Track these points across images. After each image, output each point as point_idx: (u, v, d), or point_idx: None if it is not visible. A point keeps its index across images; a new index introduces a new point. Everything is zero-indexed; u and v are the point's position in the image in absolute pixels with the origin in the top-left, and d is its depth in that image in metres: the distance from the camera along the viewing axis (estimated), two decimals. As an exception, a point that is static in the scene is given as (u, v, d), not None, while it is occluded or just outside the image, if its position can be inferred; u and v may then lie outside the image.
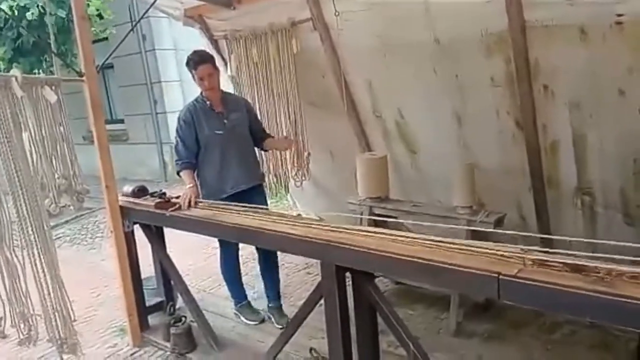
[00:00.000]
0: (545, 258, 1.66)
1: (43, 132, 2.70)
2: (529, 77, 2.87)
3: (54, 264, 2.61)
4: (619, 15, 2.43)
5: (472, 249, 1.84)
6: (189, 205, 2.95)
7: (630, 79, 2.59)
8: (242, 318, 3.46)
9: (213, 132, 3.11)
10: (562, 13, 2.56)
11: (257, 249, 3.43)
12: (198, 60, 3.07)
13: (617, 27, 2.48)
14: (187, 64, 3.12)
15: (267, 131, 3.63)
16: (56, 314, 2.63)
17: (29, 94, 2.61)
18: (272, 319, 3.42)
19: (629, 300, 1.40)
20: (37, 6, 6.17)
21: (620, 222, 3.08)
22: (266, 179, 3.71)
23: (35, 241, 2.53)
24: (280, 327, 3.26)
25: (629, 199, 2.97)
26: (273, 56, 3.88)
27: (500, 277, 1.62)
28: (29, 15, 6.16)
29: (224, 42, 4.16)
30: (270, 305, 3.50)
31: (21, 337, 2.55)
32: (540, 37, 2.71)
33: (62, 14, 6.38)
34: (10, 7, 6.17)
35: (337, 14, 3.20)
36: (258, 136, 3.41)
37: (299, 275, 4.49)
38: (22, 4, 6.22)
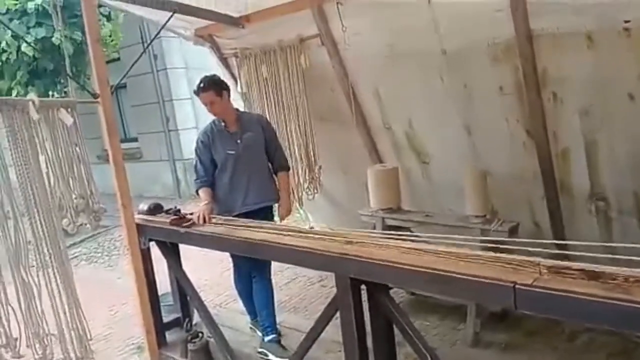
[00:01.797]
0: (561, 265, 1.66)
1: (60, 153, 2.75)
2: (538, 85, 2.88)
3: (70, 284, 2.65)
4: (626, 21, 2.44)
5: (487, 258, 1.84)
6: (204, 222, 2.98)
7: (639, 83, 2.58)
8: (271, 356, 3.15)
9: (226, 152, 3.16)
10: (568, 21, 2.58)
11: (251, 269, 3.26)
12: (199, 89, 3.13)
13: (625, 33, 2.48)
14: (194, 92, 3.20)
15: (286, 163, 3.48)
16: (72, 333, 2.66)
17: (46, 116, 2.67)
18: (270, 356, 3.13)
19: (647, 307, 1.39)
20: (54, 32, 6.32)
21: (636, 227, 3.05)
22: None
23: (51, 261, 2.57)
24: None
25: (644, 203, 2.94)
26: (282, 72, 3.94)
27: (516, 286, 1.61)
28: (53, 40, 6.32)
29: (234, 59, 4.22)
30: (267, 339, 3.21)
31: (36, 357, 2.57)
32: (548, 45, 2.72)
33: (77, 36, 6.52)
34: (35, 40, 6.34)
35: (344, 29, 3.25)
36: (272, 163, 3.36)
37: (313, 288, 4.50)
38: (40, 36, 6.38)
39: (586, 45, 2.61)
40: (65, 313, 2.62)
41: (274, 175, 3.40)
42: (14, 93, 6.83)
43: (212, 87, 3.14)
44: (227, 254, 3.35)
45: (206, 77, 3.22)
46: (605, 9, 2.43)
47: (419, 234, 3.37)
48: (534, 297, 1.58)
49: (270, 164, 3.37)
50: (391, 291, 2.31)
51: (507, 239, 2.85)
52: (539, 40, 2.73)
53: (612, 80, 2.67)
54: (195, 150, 3.27)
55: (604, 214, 3.16)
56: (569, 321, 2.98)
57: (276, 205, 3.48)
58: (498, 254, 1.84)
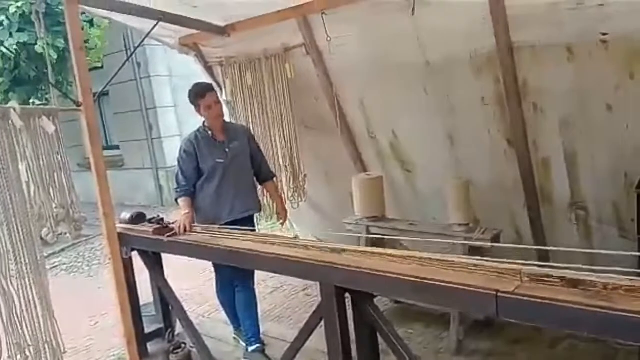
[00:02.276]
0: (542, 273, 1.68)
1: (41, 162, 2.71)
2: (519, 96, 2.93)
3: (45, 295, 2.59)
4: (604, 34, 2.50)
5: (470, 266, 1.85)
6: (185, 231, 2.96)
7: (617, 94, 2.65)
8: None
9: (215, 160, 3.15)
10: (548, 33, 2.64)
11: (234, 279, 3.24)
12: (205, 89, 3.15)
13: (603, 45, 2.55)
14: (195, 95, 3.14)
15: (271, 171, 3.56)
16: (46, 345, 2.60)
17: (27, 124, 2.63)
18: None
19: (626, 314, 1.41)
20: (36, 41, 6.25)
21: (615, 236, 3.12)
22: (263, 206, 3.65)
23: (28, 271, 2.52)
24: None
25: (622, 212, 3.01)
26: (267, 81, 3.95)
27: (499, 294, 1.63)
28: (37, 48, 6.25)
29: (219, 68, 4.22)
30: (251, 349, 3.19)
31: (17, 368, 2.52)
32: (528, 57, 2.78)
33: (60, 44, 6.46)
34: (17, 45, 6.26)
35: (329, 39, 3.27)
36: (259, 174, 3.40)
37: (298, 297, 4.48)
38: (22, 41, 6.30)
39: (566, 57, 2.68)
40: (39, 324, 2.57)
41: (257, 185, 3.41)
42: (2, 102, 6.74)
43: (214, 89, 3.22)
44: (211, 263, 3.33)
45: (202, 82, 3.24)
46: (584, 22, 2.50)
47: (403, 238, 3.40)
48: (515, 305, 1.60)
49: (255, 175, 3.38)
50: (376, 300, 2.31)
51: (491, 244, 2.89)
52: (520, 52, 2.79)
53: (591, 91, 2.73)
54: (178, 160, 3.24)
55: (584, 222, 3.22)
56: (550, 328, 3.02)
57: (259, 214, 3.52)
58: (481, 261, 1.86)
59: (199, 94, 3.13)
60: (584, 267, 1.62)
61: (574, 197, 3.16)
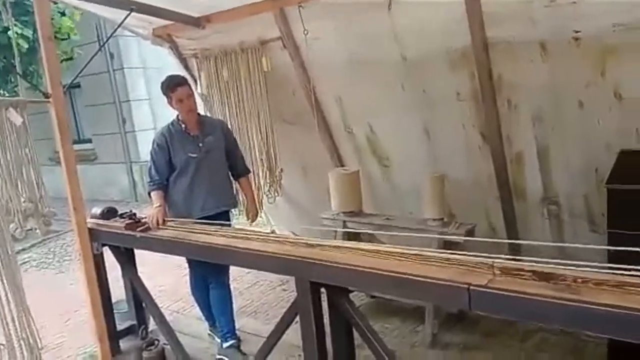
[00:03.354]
0: (513, 267, 1.70)
1: (8, 155, 2.63)
2: (493, 92, 2.96)
3: (19, 291, 2.53)
4: (576, 31, 2.54)
5: (444, 260, 1.87)
6: (157, 224, 2.91)
7: (588, 91, 2.70)
8: None
9: (187, 155, 3.09)
10: (523, 30, 2.67)
11: (207, 275, 3.21)
12: (177, 83, 3.07)
13: (575, 43, 2.59)
14: (166, 87, 3.08)
15: (247, 167, 3.50)
16: (22, 342, 2.54)
17: (-7, 116, 2.55)
18: None
19: (594, 307, 1.43)
20: (6, 30, 6.05)
21: (586, 230, 3.18)
22: (238, 202, 3.61)
23: (-1, 267, 2.45)
24: None
25: (593, 207, 3.07)
26: (243, 74, 3.90)
27: (471, 287, 1.64)
28: (6, 36, 6.04)
29: (194, 60, 4.15)
30: (226, 345, 3.16)
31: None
32: (503, 53, 2.81)
33: (28, 34, 6.26)
34: None
35: (305, 32, 3.25)
36: (234, 169, 3.35)
37: (274, 292, 4.47)
38: None
39: (539, 54, 2.71)
40: (14, 322, 2.50)
41: (233, 181, 3.37)
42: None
43: (187, 82, 3.16)
44: (185, 259, 3.29)
45: (173, 75, 3.18)
46: (557, 19, 2.53)
47: (377, 234, 3.41)
48: (487, 298, 1.62)
49: (230, 170, 3.33)
50: (352, 294, 2.32)
51: (464, 238, 2.92)
52: (495, 48, 2.81)
53: (563, 88, 2.78)
54: (150, 153, 3.17)
55: (556, 217, 3.29)
56: (521, 321, 3.07)
57: (234, 209, 3.48)
58: (454, 255, 1.87)
59: (170, 88, 3.07)
60: (554, 260, 1.64)
61: (547, 192, 3.22)
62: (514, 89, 2.93)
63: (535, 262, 1.68)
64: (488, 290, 1.61)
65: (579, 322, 1.51)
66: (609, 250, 1.97)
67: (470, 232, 3.13)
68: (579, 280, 1.57)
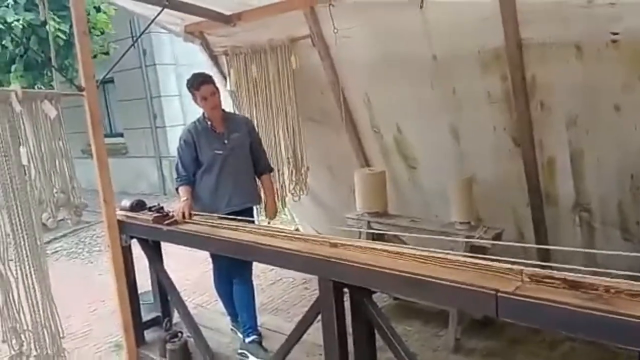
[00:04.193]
0: (543, 274, 1.66)
1: (42, 146, 2.70)
2: (526, 94, 2.89)
3: (44, 279, 2.59)
4: (614, 33, 2.46)
5: (470, 265, 1.83)
6: (183, 217, 2.95)
7: (625, 95, 2.62)
8: (251, 357, 3.11)
9: (213, 151, 3.12)
10: (558, 31, 2.60)
11: (231, 270, 3.21)
12: (201, 81, 3.11)
13: (613, 45, 2.51)
14: (190, 85, 3.13)
15: (269, 164, 3.50)
16: (45, 330, 2.60)
17: (29, 108, 2.61)
18: (250, 357, 3.09)
19: (627, 319, 1.38)
20: (43, 23, 6.22)
21: (619, 239, 3.08)
22: (262, 200, 3.62)
23: (28, 256, 2.51)
24: None
25: (627, 215, 2.97)
26: (272, 72, 3.92)
27: (499, 294, 1.60)
28: (45, 30, 6.22)
29: (224, 57, 4.19)
30: (248, 340, 3.16)
31: (12, 352, 2.52)
32: (537, 54, 2.74)
33: (65, 28, 6.43)
34: (23, 24, 6.23)
35: (335, 30, 3.24)
36: (257, 166, 3.36)
37: (296, 290, 4.47)
38: (28, 19, 6.27)
39: (575, 56, 2.64)
40: (39, 309, 2.56)
41: (256, 177, 3.40)
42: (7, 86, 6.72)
43: (212, 80, 3.18)
44: (209, 253, 3.32)
45: (199, 72, 3.21)
46: (594, 20, 2.45)
47: (402, 236, 3.38)
48: (515, 305, 1.57)
49: (254, 166, 3.35)
50: (374, 296, 2.30)
51: (492, 242, 2.87)
52: (529, 49, 2.75)
53: (599, 91, 2.70)
54: (177, 150, 3.22)
55: (588, 224, 3.19)
56: (549, 330, 3.00)
57: (259, 206, 3.50)
58: (481, 261, 1.83)
59: (194, 85, 3.11)
60: (587, 268, 1.60)
61: (579, 198, 3.13)
62: (547, 92, 2.85)
63: (565, 269, 1.63)
64: (516, 297, 1.57)
65: (611, 333, 1.46)
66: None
67: (497, 237, 3.06)
68: (612, 290, 1.52)
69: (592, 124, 2.83)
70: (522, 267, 1.69)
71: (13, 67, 6.71)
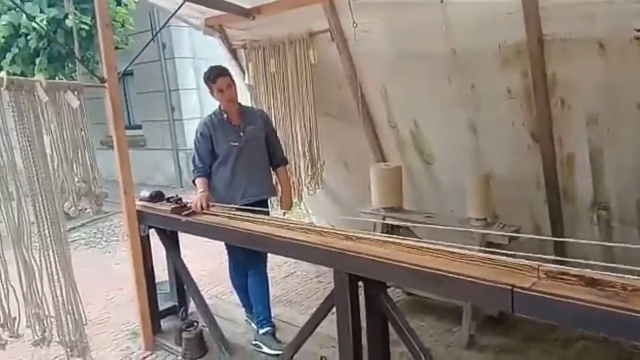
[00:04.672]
0: (559, 270, 1.65)
1: (65, 136, 2.76)
2: (546, 90, 2.86)
3: (68, 267, 2.65)
4: (637, 30, 2.42)
5: (486, 260, 1.83)
6: (202, 208, 2.99)
7: (648, 93, 2.57)
8: (265, 348, 3.16)
9: (229, 143, 3.16)
10: (581, 27, 2.56)
11: (246, 262, 3.25)
12: (217, 74, 3.15)
13: (636, 42, 2.47)
14: (207, 78, 3.18)
15: (285, 157, 3.56)
16: (68, 316, 2.66)
17: (52, 98, 2.67)
18: (264, 348, 3.14)
19: (644, 316, 1.38)
20: (66, 16, 6.32)
21: (636, 237, 3.04)
22: (277, 192, 3.65)
23: (51, 243, 2.57)
24: (275, 353, 3.04)
25: (647, 214, 2.94)
26: (290, 66, 3.93)
27: (514, 289, 1.61)
28: (67, 23, 6.33)
29: (243, 51, 4.21)
30: (262, 332, 3.21)
31: (35, 338, 2.58)
32: (558, 50, 2.71)
33: (87, 20, 6.52)
34: (47, 20, 6.35)
35: (355, 25, 3.24)
36: (272, 159, 3.40)
37: (311, 283, 4.50)
38: (51, 16, 6.39)
39: (597, 52, 2.60)
40: (62, 296, 2.63)
41: (272, 170, 3.43)
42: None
43: (228, 73, 3.22)
44: (224, 245, 3.36)
45: (215, 65, 3.24)
46: (618, 16, 2.42)
47: (418, 232, 3.37)
48: (531, 301, 1.58)
49: (269, 159, 3.38)
50: (389, 290, 2.31)
51: (510, 234, 2.85)
52: (550, 45, 2.72)
53: (621, 89, 2.65)
54: (194, 142, 3.27)
55: (606, 222, 3.15)
56: (565, 326, 2.98)
57: (275, 198, 3.54)
58: (497, 256, 1.84)
59: (211, 78, 3.15)
60: (603, 264, 1.59)
61: (597, 197, 3.09)
62: (568, 88, 2.82)
63: (582, 266, 1.63)
64: (532, 293, 1.58)
65: (627, 330, 1.46)
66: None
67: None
68: (629, 288, 1.52)
69: (613, 122, 2.79)
70: (538, 263, 1.69)
71: (37, 60, 6.83)
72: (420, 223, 3.37)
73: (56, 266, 2.59)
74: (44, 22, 6.29)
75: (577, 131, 2.92)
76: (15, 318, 2.48)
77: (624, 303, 1.45)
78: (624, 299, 1.48)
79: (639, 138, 2.75)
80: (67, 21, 6.36)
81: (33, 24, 6.20)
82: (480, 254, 1.91)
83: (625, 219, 3.06)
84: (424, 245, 2.06)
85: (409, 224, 3.25)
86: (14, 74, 6.67)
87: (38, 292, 2.55)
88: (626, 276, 1.56)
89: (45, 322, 2.60)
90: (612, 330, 1.52)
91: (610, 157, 2.91)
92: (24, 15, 6.14)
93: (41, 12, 6.40)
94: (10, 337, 2.48)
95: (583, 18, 2.52)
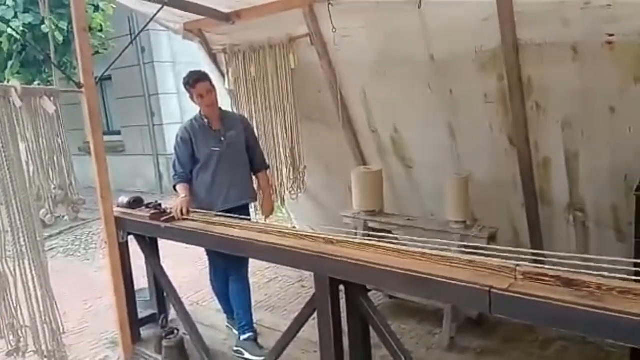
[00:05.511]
0: (536, 272, 1.68)
1: (41, 142, 2.71)
2: (522, 94, 2.91)
3: (44, 276, 2.59)
4: (610, 35, 2.49)
5: (465, 262, 1.85)
6: (182, 214, 2.96)
7: (620, 97, 2.64)
8: (247, 354, 3.14)
9: (210, 149, 3.15)
10: (555, 32, 2.62)
11: (227, 267, 3.24)
12: (197, 79, 3.13)
13: (608, 47, 2.53)
14: (186, 83, 3.16)
15: (265, 161, 3.57)
16: (45, 326, 2.60)
17: (28, 104, 2.62)
18: (246, 354, 3.12)
19: (618, 315, 1.41)
20: (42, 22, 6.24)
21: (612, 239, 3.11)
22: (258, 198, 3.64)
23: (27, 252, 2.52)
24: (257, 359, 3.02)
25: (621, 215, 3.00)
26: (271, 71, 3.93)
27: (492, 290, 1.63)
28: (42, 29, 6.23)
29: (223, 56, 4.20)
30: (243, 338, 3.19)
31: (9, 348, 2.52)
32: (533, 55, 2.76)
33: (63, 26, 6.44)
34: (23, 26, 6.25)
35: (334, 30, 3.25)
36: (253, 164, 3.39)
37: (293, 288, 4.49)
38: (27, 22, 6.29)
39: (571, 57, 2.66)
40: (39, 306, 2.57)
41: (252, 175, 3.42)
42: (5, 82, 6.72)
43: (208, 78, 3.21)
44: (204, 251, 3.33)
45: (195, 70, 3.22)
46: (591, 22, 2.48)
47: (398, 236, 3.39)
48: (509, 302, 1.60)
49: (250, 164, 3.38)
50: (370, 294, 2.32)
51: (485, 245, 2.89)
52: (525, 50, 2.77)
53: (594, 93, 2.72)
54: (175, 147, 3.25)
55: (582, 224, 3.22)
56: (541, 327, 3.02)
57: (256, 203, 3.53)
58: (475, 257, 1.86)
59: (190, 83, 3.14)
60: (579, 263, 1.62)
61: (573, 199, 3.15)
62: (543, 92, 2.88)
63: (558, 268, 1.65)
64: (509, 293, 1.59)
65: (602, 329, 1.48)
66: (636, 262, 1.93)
67: (492, 236, 3.09)
68: (603, 287, 1.55)
69: (587, 125, 2.85)
70: (516, 265, 1.71)
71: (9, 64, 6.71)
72: (401, 226, 3.40)
73: (32, 275, 2.54)
74: (19, 27, 6.19)
75: (552, 135, 2.98)
76: (-12, 329, 2.42)
77: (599, 302, 1.48)
78: (598, 298, 1.51)
79: (612, 141, 2.82)
80: (42, 27, 6.27)
81: (8, 29, 6.09)
82: (459, 256, 1.92)
83: (600, 221, 3.13)
84: (404, 248, 2.07)
85: (391, 231, 3.28)
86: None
87: (12, 302, 2.49)
88: (602, 273, 1.59)
89: (20, 332, 2.54)
90: (588, 330, 1.55)
91: (586, 160, 2.97)
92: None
93: (15, 17, 6.30)
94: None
95: (557, 23, 2.58)
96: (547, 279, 1.64)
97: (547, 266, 1.71)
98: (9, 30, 6.14)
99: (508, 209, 3.44)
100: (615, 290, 1.53)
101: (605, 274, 1.56)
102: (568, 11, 2.50)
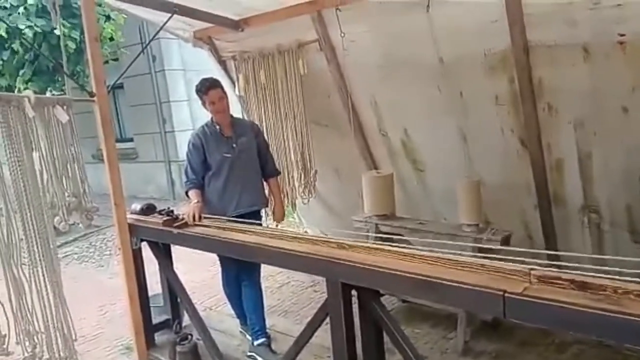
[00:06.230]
0: (551, 275, 1.66)
1: (54, 151, 2.74)
2: (533, 96, 2.89)
3: (57, 283, 2.62)
4: (621, 35, 2.46)
5: (478, 266, 1.84)
6: (194, 219, 2.98)
7: (633, 96, 2.61)
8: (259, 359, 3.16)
9: (222, 155, 3.17)
10: (565, 33, 2.60)
11: (239, 273, 3.27)
12: (209, 86, 3.16)
13: (620, 47, 2.51)
14: (199, 90, 3.18)
15: (276, 168, 3.58)
16: (57, 332, 2.63)
17: (41, 114, 2.66)
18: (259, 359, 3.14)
19: (635, 318, 1.39)
20: (53, 30, 6.32)
21: (628, 240, 3.07)
22: (270, 203, 3.64)
23: (40, 259, 2.55)
24: None
25: (635, 216, 2.96)
26: (280, 77, 3.94)
27: (506, 294, 1.61)
28: (55, 32, 6.31)
29: (232, 62, 4.23)
30: (257, 343, 3.19)
31: (25, 355, 2.55)
32: (544, 56, 2.74)
33: (75, 35, 6.52)
34: (34, 34, 6.33)
35: (342, 35, 3.26)
36: (264, 170, 3.40)
37: (305, 293, 4.49)
38: (39, 25, 6.37)
39: (582, 57, 2.63)
40: (52, 312, 2.60)
41: (263, 181, 3.43)
42: (16, 91, 6.81)
43: (220, 85, 3.23)
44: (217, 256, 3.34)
45: (208, 78, 3.25)
46: (601, 22, 2.45)
47: (410, 239, 3.38)
48: (523, 306, 1.58)
49: (261, 170, 3.39)
50: (383, 298, 2.31)
51: (499, 248, 2.86)
52: (535, 51, 2.75)
53: (606, 93, 2.69)
54: (187, 154, 3.27)
55: (596, 226, 3.18)
56: (557, 331, 2.99)
57: (266, 209, 3.54)
58: (489, 262, 1.84)
59: (202, 91, 3.16)
60: (595, 267, 1.60)
61: (587, 200, 3.12)
62: (554, 94, 2.85)
63: (573, 271, 1.63)
64: (524, 298, 1.58)
65: (618, 333, 1.46)
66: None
67: (506, 240, 3.05)
68: (620, 291, 1.52)
69: (600, 126, 2.82)
70: (530, 268, 1.70)
71: (21, 72, 6.80)
72: (413, 230, 3.39)
73: (45, 282, 2.57)
74: (31, 33, 6.26)
75: (565, 136, 2.95)
76: (5, 335, 2.45)
77: (615, 306, 1.46)
78: (615, 301, 1.49)
79: (626, 140, 2.79)
80: (55, 31, 6.35)
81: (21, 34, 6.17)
82: (473, 260, 1.91)
83: (615, 222, 3.09)
84: (417, 252, 2.06)
85: (403, 235, 3.26)
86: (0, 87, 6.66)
87: (28, 309, 2.52)
88: (620, 278, 1.57)
89: (35, 338, 2.57)
90: (604, 334, 1.52)
91: (599, 160, 2.94)
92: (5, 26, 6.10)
93: (28, 19, 6.37)
94: (0, 354, 2.45)
95: (567, 24, 2.56)
96: (562, 282, 1.62)
97: (562, 269, 1.69)
98: (22, 36, 6.20)
99: (521, 212, 3.40)
100: (632, 293, 1.51)
101: (622, 270, 1.54)
102: (576, 12, 2.48)
